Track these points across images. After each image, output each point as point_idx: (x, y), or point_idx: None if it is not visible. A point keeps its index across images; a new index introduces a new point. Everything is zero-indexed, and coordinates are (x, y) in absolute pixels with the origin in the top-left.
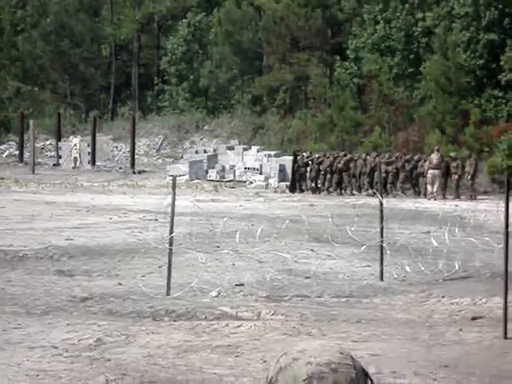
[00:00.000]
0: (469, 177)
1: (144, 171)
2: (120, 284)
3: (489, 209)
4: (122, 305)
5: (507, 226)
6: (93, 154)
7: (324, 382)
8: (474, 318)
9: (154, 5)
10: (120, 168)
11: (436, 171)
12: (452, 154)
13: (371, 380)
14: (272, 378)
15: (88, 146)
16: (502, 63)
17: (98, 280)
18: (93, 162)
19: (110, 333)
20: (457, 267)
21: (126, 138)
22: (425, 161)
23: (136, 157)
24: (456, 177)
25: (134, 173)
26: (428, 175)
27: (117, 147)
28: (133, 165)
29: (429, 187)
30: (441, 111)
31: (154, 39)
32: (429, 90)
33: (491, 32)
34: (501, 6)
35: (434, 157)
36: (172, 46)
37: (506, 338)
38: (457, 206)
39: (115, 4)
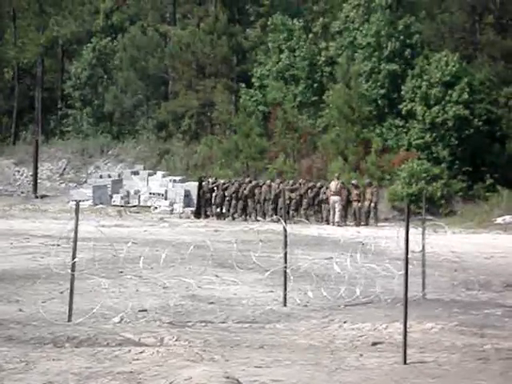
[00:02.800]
0: (372, 204)
1: (47, 196)
2: (20, 310)
3: (389, 235)
4: (22, 331)
5: (407, 252)
6: None
7: None
8: (374, 344)
9: (59, 28)
10: (22, 192)
11: (335, 197)
12: (353, 182)
13: None
14: None
15: None
16: (402, 93)
17: None
18: None
19: (9, 359)
20: (358, 293)
21: (29, 162)
22: (327, 188)
23: (39, 181)
24: (358, 204)
25: (37, 197)
26: (330, 202)
27: (19, 171)
28: (35, 189)
29: (331, 213)
30: (344, 139)
31: (58, 63)
32: (332, 118)
33: (392, 62)
34: (402, 37)
35: (334, 184)
36: (76, 70)
37: (405, 363)
38: (358, 232)
39: (19, 27)
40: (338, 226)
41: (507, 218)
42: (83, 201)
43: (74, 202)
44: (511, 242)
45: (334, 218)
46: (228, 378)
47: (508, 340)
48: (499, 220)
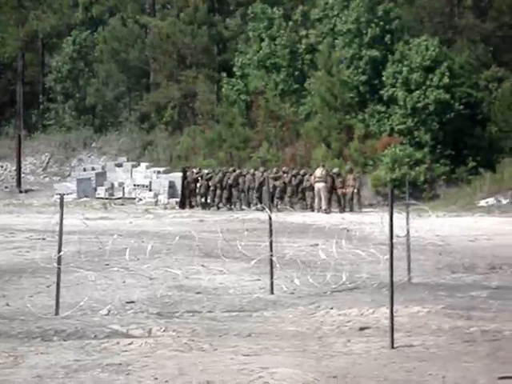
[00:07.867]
0: (355, 190)
1: (31, 190)
2: (7, 304)
3: (374, 221)
4: (9, 325)
5: (392, 237)
6: None
7: None
8: (361, 329)
9: (38, 22)
10: (6, 187)
11: (320, 184)
12: (335, 170)
13: None
14: None
15: None
16: (383, 79)
17: None
18: None
19: None
20: (344, 279)
21: (12, 156)
22: (310, 175)
23: (22, 176)
24: (342, 191)
25: (21, 192)
26: (315, 189)
27: (2, 166)
28: (19, 184)
29: (316, 201)
30: (326, 126)
31: (38, 57)
32: (314, 105)
33: (373, 48)
34: (381, 23)
35: (319, 171)
36: (57, 63)
37: (392, 347)
38: (343, 218)
39: None
40: (325, 212)
41: (490, 200)
42: (67, 194)
43: (59, 196)
44: (494, 224)
45: (319, 204)
46: None
47: (494, 322)
48: (482, 203)
